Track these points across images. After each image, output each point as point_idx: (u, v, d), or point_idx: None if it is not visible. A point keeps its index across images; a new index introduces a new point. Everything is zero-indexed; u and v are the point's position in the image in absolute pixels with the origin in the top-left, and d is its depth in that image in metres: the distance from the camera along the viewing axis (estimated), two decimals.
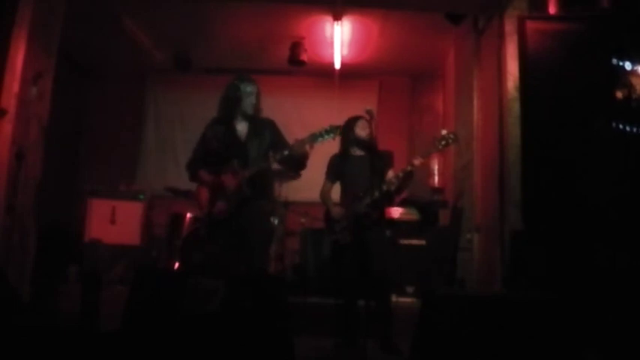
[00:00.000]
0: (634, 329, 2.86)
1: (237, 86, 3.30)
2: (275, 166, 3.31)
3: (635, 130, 3.53)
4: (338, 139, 3.41)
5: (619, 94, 3.55)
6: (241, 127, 3.34)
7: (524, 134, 3.77)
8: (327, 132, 3.17)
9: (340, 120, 3.74)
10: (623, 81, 3.58)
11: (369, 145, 3.49)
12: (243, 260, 3.18)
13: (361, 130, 3.55)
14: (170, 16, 5.52)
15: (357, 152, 3.61)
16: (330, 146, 3.76)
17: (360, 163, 3.53)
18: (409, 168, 3.41)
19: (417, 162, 3.41)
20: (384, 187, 3.43)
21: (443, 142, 3.48)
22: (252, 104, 3.30)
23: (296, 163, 3.33)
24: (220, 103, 3.36)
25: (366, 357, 3.10)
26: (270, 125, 3.40)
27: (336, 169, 3.63)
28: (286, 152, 3.17)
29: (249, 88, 3.31)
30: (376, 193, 3.35)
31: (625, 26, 3.72)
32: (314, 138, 3.15)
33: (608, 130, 3.53)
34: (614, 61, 3.58)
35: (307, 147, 3.17)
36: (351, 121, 3.63)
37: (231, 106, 3.30)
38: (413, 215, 4.85)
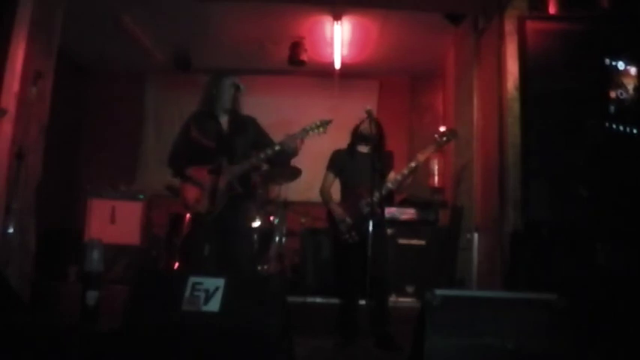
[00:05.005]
0: (634, 329, 2.86)
1: (217, 81, 3.31)
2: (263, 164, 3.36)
3: (628, 129, 3.55)
4: (336, 135, 3.43)
5: (612, 94, 3.57)
6: (224, 122, 3.33)
7: (524, 134, 3.78)
8: (318, 126, 3.26)
9: (340, 120, 3.75)
10: (616, 81, 3.59)
11: (373, 141, 3.49)
12: (236, 259, 3.19)
13: (363, 126, 3.58)
14: (170, 16, 5.52)
15: (362, 149, 3.62)
16: (330, 146, 3.77)
17: (363, 160, 3.54)
18: (414, 163, 3.42)
19: (421, 157, 3.44)
20: (389, 186, 3.44)
21: (443, 139, 3.51)
22: (231, 98, 3.30)
23: (286, 158, 3.35)
24: (204, 96, 3.35)
25: (366, 357, 3.11)
26: (253, 122, 3.41)
27: (340, 163, 3.64)
28: (277, 147, 3.19)
29: (228, 82, 3.31)
30: (378, 193, 3.36)
31: (624, 27, 3.72)
32: (305, 132, 3.24)
33: (606, 129, 3.54)
34: (607, 61, 3.60)
35: (298, 142, 3.24)
36: (359, 122, 3.66)
37: (212, 101, 3.30)
38: (412, 215, 4.85)
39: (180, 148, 3.35)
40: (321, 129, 3.26)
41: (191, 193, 3.21)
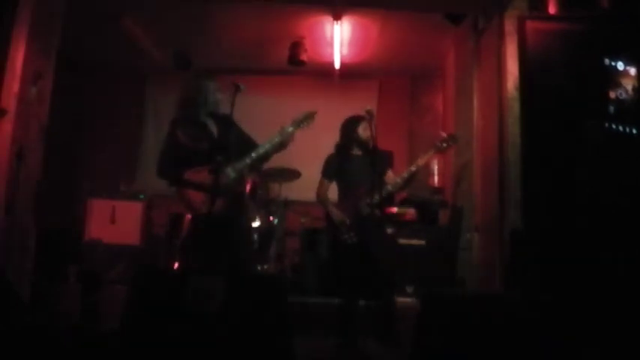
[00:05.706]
0: (634, 329, 2.86)
1: (200, 85, 3.31)
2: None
3: (628, 129, 3.55)
4: (336, 135, 3.38)
5: (612, 95, 3.58)
6: (211, 126, 3.34)
7: (524, 134, 3.78)
8: (306, 118, 3.40)
9: (340, 120, 3.75)
10: (616, 81, 3.60)
11: (369, 146, 3.51)
12: (236, 259, 3.20)
13: (363, 132, 3.57)
14: (170, 16, 5.52)
15: (357, 152, 3.62)
16: (330, 145, 3.77)
17: (359, 163, 3.54)
18: (414, 168, 3.44)
19: (421, 161, 3.46)
20: (389, 188, 3.44)
21: (444, 145, 3.54)
22: (216, 101, 3.33)
23: (273, 153, 3.40)
24: (184, 102, 3.34)
25: (366, 357, 3.10)
26: (231, 120, 3.40)
27: (334, 168, 3.64)
28: (277, 139, 3.27)
29: (212, 86, 3.32)
30: (378, 194, 3.36)
31: (624, 27, 3.73)
32: (296, 125, 3.35)
33: (606, 129, 3.55)
34: (607, 61, 3.61)
35: (291, 134, 3.34)
36: (353, 121, 3.64)
37: (198, 105, 3.30)
38: (412, 215, 4.85)
39: (168, 157, 3.31)
40: (310, 120, 3.39)
41: (195, 195, 3.20)
